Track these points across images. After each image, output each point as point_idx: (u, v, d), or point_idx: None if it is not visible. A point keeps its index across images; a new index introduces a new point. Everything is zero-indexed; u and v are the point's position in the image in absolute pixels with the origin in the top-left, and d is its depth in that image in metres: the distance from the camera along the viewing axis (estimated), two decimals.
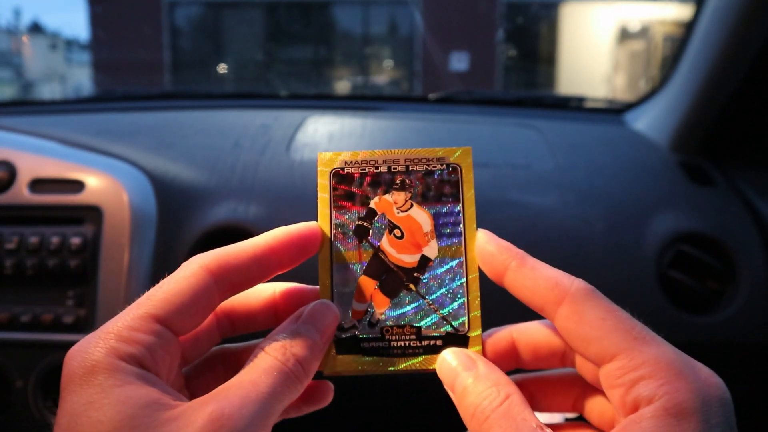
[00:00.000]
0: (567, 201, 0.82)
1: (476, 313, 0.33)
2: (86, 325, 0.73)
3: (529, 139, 0.95)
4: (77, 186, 0.76)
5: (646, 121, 0.99)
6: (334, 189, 0.33)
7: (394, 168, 0.34)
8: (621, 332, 0.27)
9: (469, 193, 0.34)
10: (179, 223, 0.78)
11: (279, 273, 0.32)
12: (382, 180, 0.33)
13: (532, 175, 0.86)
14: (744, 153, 0.93)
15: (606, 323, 0.27)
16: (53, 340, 0.73)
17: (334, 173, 0.34)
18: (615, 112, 1.10)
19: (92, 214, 0.75)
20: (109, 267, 0.73)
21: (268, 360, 0.28)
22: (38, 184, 0.76)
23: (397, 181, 0.33)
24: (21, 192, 0.76)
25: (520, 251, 0.31)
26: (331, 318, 0.31)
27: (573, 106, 1.25)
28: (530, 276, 0.30)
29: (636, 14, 7.93)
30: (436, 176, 0.33)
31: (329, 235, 0.33)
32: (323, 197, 0.33)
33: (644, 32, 7.80)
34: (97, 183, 0.76)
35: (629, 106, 1.08)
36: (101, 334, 0.27)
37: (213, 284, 0.29)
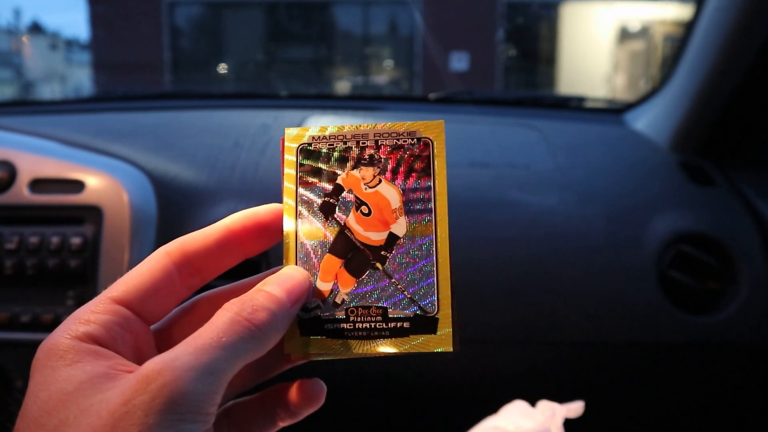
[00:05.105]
0: (567, 201, 0.82)
1: (446, 293, 0.30)
2: None
3: (529, 139, 0.95)
4: (77, 186, 0.76)
5: (646, 121, 0.99)
6: (301, 165, 0.32)
7: (362, 143, 0.32)
8: None
9: (440, 168, 0.32)
10: (179, 222, 0.78)
11: (248, 256, 0.32)
12: (351, 155, 0.32)
13: (532, 175, 0.86)
14: (744, 153, 0.93)
15: None
16: None
17: (300, 149, 0.32)
18: (615, 112, 1.10)
19: (92, 214, 0.75)
20: (109, 267, 0.73)
21: (222, 314, 0.27)
22: (38, 184, 0.76)
23: (366, 156, 0.32)
24: (21, 192, 0.76)
25: None
26: (298, 279, 0.30)
27: (573, 106, 1.25)
28: None
29: (636, 14, 7.92)
30: (406, 151, 0.32)
31: (294, 212, 0.32)
32: (289, 173, 0.32)
33: (644, 32, 7.79)
34: (97, 183, 0.76)
35: (629, 106, 1.08)
36: (67, 320, 0.28)
37: (173, 267, 0.30)
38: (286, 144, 0.33)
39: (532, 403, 0.59)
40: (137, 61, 6.84)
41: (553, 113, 1.15)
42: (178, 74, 7.53)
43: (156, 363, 0.25)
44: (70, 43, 8.81)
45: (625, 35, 7.86)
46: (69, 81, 8.53)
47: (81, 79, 8.54)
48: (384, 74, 8.16)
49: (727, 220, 0.82)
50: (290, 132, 0.33)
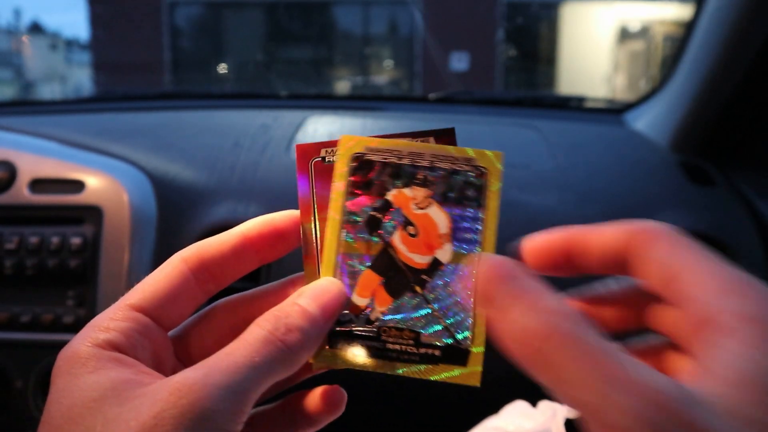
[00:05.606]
0: (566, 201, 0.82)
1: (482, 329, 0.30)
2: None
3: (528, 139, 0.95)
4: (77, 186, 0.76)
5: (646, 121, 0.99)
6: (352, 175, 0.31)
7: (417, 162, 0.31)
8: None
9: (493, 200, 0.31)
10: (179, 222, 0.78)
11: (264, 263, 0.32)
12: (404, 172, 0.31)
13: (532, 175, 0.86)
14: (744, 153, 0.93)
15: None
16: (53, 340, 0.73)
17: (354, 158, 0.31)
18: (615, 112, 1.10)
19: (92, 214, 0.75)
20: (109, 267, 0.73)
21: (256, 331, 0.27)
22: (38, 184, 0.76)
23: (419, 177, 0.31)
24: (21, 192, 0.76)
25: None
26: (334, 293, 0.29)
27: (573, 106, 1.25)
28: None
29: (636, 14, 7.93)
30: (460, 177, 0.31)
31: (339, 222, 0.31)
32: (337, 184, 0.31)
33: (644, 32, 7.80)
34: (97, 183, 0.76)
35: (629, 106, 1.08)
36: (86, 328, 0.28)
37: (189, 274, 0.30)
38: (338, 152, 0.31)
39: (533, 403, 0.59)
40: (137, 62, 6.85)
41: (552, 113, 1.15)
42: (178, 74, 7.54)
43: (188, 377, 0.24)
44: (70, 43, 8.82)
45: (625, 35, 7.87)
46: (69, 81, 8.54)
47: (81, 79, 8.55)
48: (384, 74, 8.16)
49: (727, 220, 0.82)
50: (347, 140, 0.31)
